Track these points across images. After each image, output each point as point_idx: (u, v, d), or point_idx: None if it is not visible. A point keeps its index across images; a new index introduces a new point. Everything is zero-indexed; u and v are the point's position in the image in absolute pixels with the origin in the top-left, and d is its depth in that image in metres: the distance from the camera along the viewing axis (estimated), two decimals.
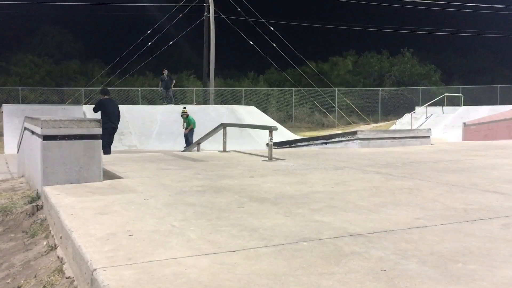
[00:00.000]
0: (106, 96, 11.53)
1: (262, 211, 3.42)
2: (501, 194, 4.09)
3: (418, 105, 30.01)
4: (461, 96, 29.66)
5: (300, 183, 4.69)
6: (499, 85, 34.48)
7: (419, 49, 44.58)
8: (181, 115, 18.18)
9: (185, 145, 16.95)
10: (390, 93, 38.15)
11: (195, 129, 17.28)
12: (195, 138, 15.14)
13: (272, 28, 32.30)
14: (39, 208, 4.26)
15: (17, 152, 7.96)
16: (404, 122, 26.58)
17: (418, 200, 3.82)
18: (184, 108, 18.92)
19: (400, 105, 34.69)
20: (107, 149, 10.35)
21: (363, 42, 46.79)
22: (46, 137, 4.39)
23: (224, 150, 8.60)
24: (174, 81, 24.90)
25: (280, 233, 2.80)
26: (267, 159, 6.90)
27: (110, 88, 28.60)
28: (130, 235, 2.73)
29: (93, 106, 11.70)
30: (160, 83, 24.79)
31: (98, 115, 10.73)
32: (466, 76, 43.17)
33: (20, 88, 32.30)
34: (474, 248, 2.53)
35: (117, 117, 11.40)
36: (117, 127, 11.57)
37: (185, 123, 17.94)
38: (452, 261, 2.31)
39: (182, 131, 18.93)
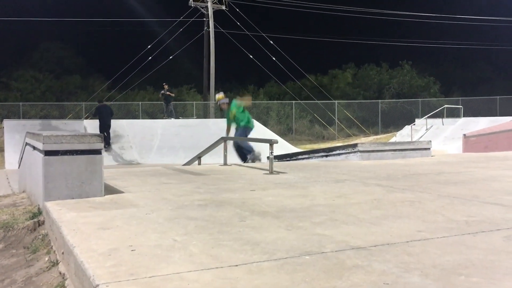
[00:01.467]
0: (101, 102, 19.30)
1: (263, 224, 3.42)
2: (502, 206, 4.09)
3: (418, 117, 30.08)
4: (461, 108, 29.73)
5: (301, 196, 4.69)
6: (498, 97, 34.60)
7: (418, 61, 44.87)
8: (219, 105, 12.21)
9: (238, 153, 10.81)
10: (389, 105, 38.26)
11: (248, 127, 10.99)
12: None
13: (272, 42, 32.54)
14: (40, 223, 4.25)
15: (18, 168, 7.97)
16: (404, 134, 26.60)
17: (419, 213, 3.82)
18: (221, 94, 12.19)
19: (400, 117, 34.78)
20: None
21: (362, 55, 47.12)
22: (47, 153, 4.41)
23: (225, 164, 8.61)
24: (172, 95, 25.00)
25: (282, 247, 2.80)
26: (268, 172, 6.91)
27: (111, 103, 28.69)
28: (132, 250, 2.73)
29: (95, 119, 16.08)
30: (160, 97, 25.05)
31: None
32: (465, 87, 43.35)
33: (21, 103, 32.42)
34: (477, 260, 2.53)
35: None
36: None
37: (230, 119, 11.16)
38: (454, 274, 2.31)
39: (183, 145, 18.90)
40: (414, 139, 22.48)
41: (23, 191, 6.61)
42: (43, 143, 4.39)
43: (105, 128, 19.02)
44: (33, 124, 19.28)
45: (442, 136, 23.64)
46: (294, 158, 10.97)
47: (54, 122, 21.45)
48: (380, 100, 38.43)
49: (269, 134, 22.59)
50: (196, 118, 28.06)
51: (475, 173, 6.71)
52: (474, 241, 2.94)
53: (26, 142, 6.31)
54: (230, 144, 9.76)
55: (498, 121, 21.54)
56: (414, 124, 27.07)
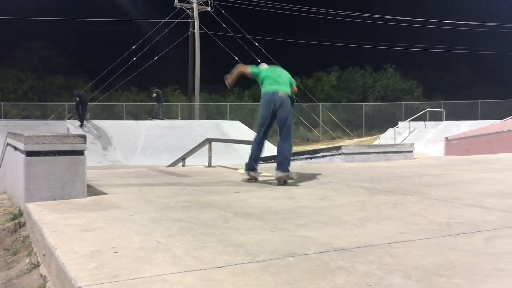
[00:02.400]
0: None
1: (248, 226, 3.42)
2: (483, 208, 4.16)
3: (401, 120, 30.42)
4: (443, 111, 30.14)
5: (285, 198, 4.70)
6: (480, 101, 35.15)
7: (401, 65, 45.33)
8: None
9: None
10: (373, 108, 38.61)
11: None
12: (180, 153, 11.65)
13: (257, 44, 32.58)
14: (21, 225, 4.19)
15: None
16: (387, 137, 26.87)
17: (402, 215, 3.85)
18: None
19: (384, 120, 35.11)
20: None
21: (346, 58, 47.43)
22: (29, 153, 4.34)
23: (210, 165, 8.59)
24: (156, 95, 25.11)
25: (266, 249, 2.80)
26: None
27: (94, 103, 28.40)
28: (115, 252, 2.70)
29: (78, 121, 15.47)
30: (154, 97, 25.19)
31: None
32: (448, 91, 43.93)
33: (2, 103, 31.94)
34: (458, 262, 2.56)
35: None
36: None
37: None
38: (436, 275, 2.34)
39: (167, 146, 18.86)
40: (397, 142, 22.71)
41: (4, 192, 6.51)
42: (25, 144, 4.33)
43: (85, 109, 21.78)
44: (15, 124, 19.01)
45: (424, 139, 23.94)
46: None
47: (36, 123, 21.17)
48: (364, 103, 38.76)
49: (253, 136, 22.61)
50: (180, 120, 27.95)
51: (457, 175, 6.81)
52: (456, 242, 2.98)
53: (7, 143, 6.21)
54: (215, 145, 9.73)
55: (479, 124, 21.88)
56: (398, 127, 27.36)
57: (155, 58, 32.58)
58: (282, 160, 5.77)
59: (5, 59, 40.71)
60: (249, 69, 6.32)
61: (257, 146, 6.14)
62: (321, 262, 2.54)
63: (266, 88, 5.98)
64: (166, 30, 32.84)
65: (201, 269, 2.41)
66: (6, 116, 30.47)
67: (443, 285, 2.21)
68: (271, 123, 6.06)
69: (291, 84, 6.15)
